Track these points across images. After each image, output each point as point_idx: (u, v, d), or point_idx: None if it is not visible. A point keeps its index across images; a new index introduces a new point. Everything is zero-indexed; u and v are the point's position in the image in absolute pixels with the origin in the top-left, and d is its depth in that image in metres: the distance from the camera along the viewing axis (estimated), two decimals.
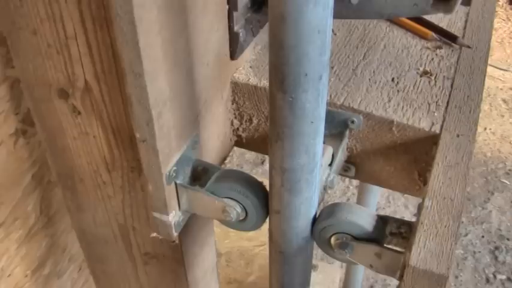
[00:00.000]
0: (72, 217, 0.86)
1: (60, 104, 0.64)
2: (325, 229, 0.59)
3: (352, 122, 0.67)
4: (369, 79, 0.70)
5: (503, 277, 2.02)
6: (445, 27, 0.78)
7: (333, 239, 0.60)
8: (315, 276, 1.74)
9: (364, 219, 0.58)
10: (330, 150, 0.65)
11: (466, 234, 2.15)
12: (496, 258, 2.08)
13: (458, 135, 0.63)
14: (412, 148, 0.66)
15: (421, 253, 0.51)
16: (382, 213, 2.08)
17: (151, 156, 0.59)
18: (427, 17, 0.78)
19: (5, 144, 0.78)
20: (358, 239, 0.58)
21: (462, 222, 2.18)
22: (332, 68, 0.72)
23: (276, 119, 0.51)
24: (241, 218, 0.64)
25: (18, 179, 0.85)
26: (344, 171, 0.72)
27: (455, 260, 2.02)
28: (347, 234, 0.58)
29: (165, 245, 0.82)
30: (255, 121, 0.73)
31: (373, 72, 0.71)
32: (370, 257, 0.58)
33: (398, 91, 0.69)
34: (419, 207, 0.56)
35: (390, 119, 0.65)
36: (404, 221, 0.60)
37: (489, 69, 2.87)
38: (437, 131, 0.64)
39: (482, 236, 2.14)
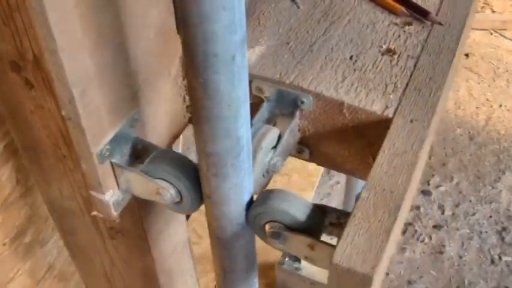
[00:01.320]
0: (41, 190, 0.85)
1: (14, 76, 0.62)
2: (258, 216, 0.56)
3: (302, 102, 0.62)
4: (325, 56, 0.66)
5: (509, 259, 1.97)
6: (419, 2, 0.73)
7: (267, 227, 0.56)
8: None
9: (297, 208, 0.54)
10: (273, 131, 0.61)
11: (474, 214, 2.09)
12: (502, 239, 2.02)
13: (412, 121, 0.59)
14: (365, 132, 0.62)
15: (347, 249, 0.48)
16: None
17: (79, 135, 0.56)
18: None
19: None
20: (291, 228, 0.55)
21: (470, 201, 2.13)
22: (288, 43, 0.68)
23: (193, 102, 0.47)
24: (176, 201, 0.61)
25: None
26: (298, 153, 0.68)
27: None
28: (280, 223, 0.55)
29: (127, 221, 0.80)
30: None
31: (331, 49, 0.67)
32: (303, 248, 0.55)
33: (354, 70, 0.64)
34: (357, 198, 0.53)
35: (340, 100, 0.61)
36: (344, 211, 0.56)
37: (508, 43, 2.75)
38: (391, 115, 0.60)
39: (490, 216, 2.08)
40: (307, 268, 1.64)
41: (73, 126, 0.55)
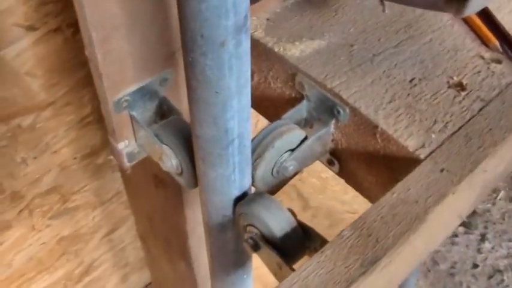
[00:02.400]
0: None
1: None
2: (242, 215, 0.52)
3: (338, 112, 0.57)
4: (384, 71, 0.59)
5: None
6: None
7: (247, 229, 0.53)
8: None
9: (277, 222, 0.50)
10: (295, 133, 0.56)
11: None
12: None
13: (442, 170, 0.51)
14: (395, 165, 0.55)
15: (295, 286, 0.43)
16: None
17: (97, 79, 0.55)
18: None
19: (63, 32, 0.81)
20: (267, 240, 0.51)
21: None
22: (351, 46, 0.61)
23: (186, 79, 0.44)
24: (178, 172, 0.58)
25: (74, 68, 0.87)
26: (328, 164, 0.63)
27: None
28: (258, 230, 0.51)
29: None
30: (255, 78, 0.65)
31: (395, 65, 0.59)
32: (273, 264, 0.50)
33: (408, 95, 0.57)
34: (339, 234, 0.47)
35: (375, 123, 0.54)
36: (327, 241, 0.50)
37: None
38: (422, 156, 0.52)
39: None
40: None
41: (93, 68, 0.55)
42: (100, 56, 0.52)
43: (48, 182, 1.08)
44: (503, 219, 2.03)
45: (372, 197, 0.61)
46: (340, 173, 0.63)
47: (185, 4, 0.37)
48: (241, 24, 0.39)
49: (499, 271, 1.92)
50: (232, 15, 0.38)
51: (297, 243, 0.50)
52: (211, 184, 0.51)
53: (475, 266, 1.93)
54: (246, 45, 0.41)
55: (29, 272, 1.21)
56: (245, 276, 0.64)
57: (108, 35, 0.52)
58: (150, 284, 1.58)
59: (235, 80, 0.42)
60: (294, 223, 0.50)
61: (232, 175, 0.50)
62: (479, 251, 1.98)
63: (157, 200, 0.98)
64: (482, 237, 1.97)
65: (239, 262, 0.62)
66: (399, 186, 0.49)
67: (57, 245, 1.23)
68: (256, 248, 0.51)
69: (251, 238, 0.51)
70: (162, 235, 1.10)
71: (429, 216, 0.48)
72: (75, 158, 1.12)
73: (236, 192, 0.53)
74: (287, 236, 0.50)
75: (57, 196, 1.14)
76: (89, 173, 1.18)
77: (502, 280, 1.89)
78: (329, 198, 1.83)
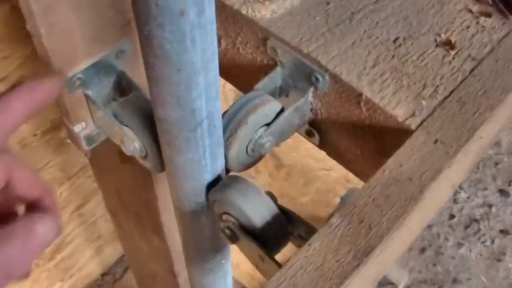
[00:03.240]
0: None
1: None
2: (216, 202, 0.47)
3: (317, 79, 0.51)
4: (365, 31, 0.53)
5: None
6: None
7: (223, 217, 0.47)
8: None
9: (257, 210, 0.44)
10: (271, 105, 0.50)
11: None
12: None
13: (436, 141, 0.46)
14: (383, 135, 0.50)
15: (282, 285, 0.38)
16: None
17: (43, 55, 0.48)
18: None
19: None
20: (246, 229, 0.45)
21: None
22: (328, 3, 0.55)
23: (142, 55, 0.37)
24: (142, 155, 0.52)
25: (26, 38, 0.80)
26: (308, 136, 0.57)
27: None
28: (236, 219, 0.46)
29: None
30: (222, 44, 0.59)
31: (376, 23, 0.54)
32: (254, 256, 0.45)
33: (393, 56, 0.51)
34: (326, 221, 0.42)
35: (359, 91, 0.49)
36: (312, 228, 0.45)
37: None
38: (413, 126, 0.47)
39: None
40: None
41: (37, 44, 0.48)
42: (44, 30, 0.45)
43: None
44: (478, 168, 2.02)
45: (357, 170, 0.56)
46: (321, 145, 0.57)
47: None
48: None
49: (476, 220, 1.93)
50: None
51: (279, 232, 0.45)
52: (179, 170, 0.46)
53: (452, 216, 1.93)
54: (210, 12, 0.35)
55: None
56: (223, 261, 0.60)
57: (51, 6, 0.45)
58: (124, 255, 1.54)
59: (199, 54, 0.36)
60: (274, 209, 0.45)
61: (202, 159, 0.44)
62: (455, 201, 1.97)
63: (125, 176, 0.92)
64: (458, 187, 1.96)
65: (216, 247, 0.57)
66: (390, 163, 0.44)
67: None
68: (234, 238, 0.46)
69: (228, 228, 0.46)
70: (133, 210, 1.05)
71: (425, 194, 0.43)
72: (35, 135, 1.05)
73: (208, 177, 0.47)
74: (268, 225, 0.44)
75: None
76: (51, 148, 1.12)
77: (479, 229, 1.90)
78: (303, 156, 1.79)
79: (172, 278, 1.11)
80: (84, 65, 0.51)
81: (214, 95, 0.40)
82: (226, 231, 0.46)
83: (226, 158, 0.49)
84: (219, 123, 0.43)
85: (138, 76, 0.55)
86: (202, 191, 0.48)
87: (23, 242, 0.34)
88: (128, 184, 0.95)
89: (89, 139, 0.57)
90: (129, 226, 1.10)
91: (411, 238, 0.50)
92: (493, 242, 1.87)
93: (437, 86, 0.49)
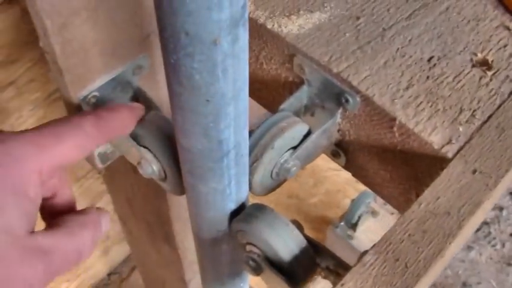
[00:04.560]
0: None
1: None
2: (239, 233, 0.44)
3: (347, 100, 0.48)
4: (397, 49, 0.50)
5: None
6: None
7: (247, 248, 0.45)
8: (372, 223, 1.60)
9: (284, 243, 0.42)
10: (298, 128, 0.47)
11: None
12: None
13: (475, 171, 0.43)
14: (415, 162, 0.47)
15: None
16: None
17: (56, 74, 0.46)
18: None
19: (18, 3, 0.71)
20: (272, 262, 0.43)
21: None
22: (358, 18, 0.52)
23: (167, 81, 0.35)
24: (161, 177, 0.50)
25: (35, 41, 0.78)
26: (333, 156, 0.55)
27: None
28: (260, 250, 0.43)
29: None
30: None
31: (409, 41, 0.51)
32: None
33: (427, 78, 0.48)
34: (360, 257, 0.39)
35: (392, 115, 0.46)
36: (343, 262, 0.43)
37: None
38: (450, 155, 0.44)
39: None
40: (360, 240, 1.54)
41: (51, 62, 0.45)
42: (58, 47, 0.43)
43: None
44: None
45: (384, 193, 0.53)
46: (347, 166, 0.54)
47: None
48: (239, 15, 0.30)
49: (486, 223, 1.90)
50: (227, 5, 0.28)
51: (307, 265, 0.42)
52: (201, 198, 0.43)
53: None
54: (244, 40, 0.32)
55: None
56: (241, 285, 0.57)
57: (66, 22, 0.42)
58: (131, 254, 1.53)
59: (231, 84, 0.33)
60: (303, 242, 0.42)
61: (227, 189, 0.42)
62: None
63: (137, 185, 0.89)
64: None
65: (235, 272, 0.55)
66: (426, 195, 0.41)
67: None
68: (258, 271, 0.43)
69: (252, 260, 0.43)
70: (144, 219, 1.02)
71: (462, 229, 0.40)
72: None
73: (232, 206, 0.44)
74: (295, 258, 0.42)
75: None
76: None
77: (489, 233, 1.87)
78: None
79: (183, 285, 1.09)
80: (99, 82, 0.48)
81: (243, 124, 0.38)
82: (251, 263, 0.43)
83: (249, 183, 0.46)
84: (246, 151, 0.41)
85: (156, 93, 0.52)
86: (224, 220, 0.45)
87: (93, 229, 0.40)
88: (139, 193, 0.93)
89: (103, 157, 0.54)
90: (139, 234, 1.08)
91: (441, 269, 0.48)
92: (503, 245, 1.85)
93: (475, 111, 0.47)
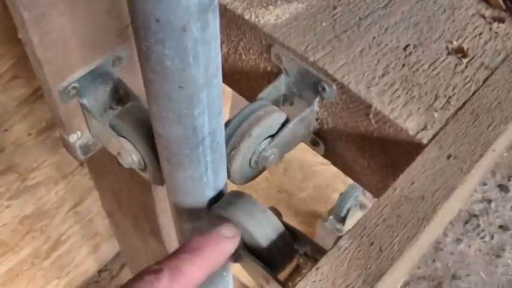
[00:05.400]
0: None
1: None
2: (218, 220, 0.45)
3: (323, 89, 0.49)
4: (373, 38, 0.51)
5: None
6: None
7: None
8: (361, 216, 1.60)
9: (261, 229, 0.42)
10: (275, 116, 0.48)
11: None
12: None
13: (449, 156, 0.44)
14: (392, 149, 0.48)
15: None
16: None
17: (36, 66, 0.46)
18: None
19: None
20: (250, 249, 0.43)
21: None
22: (334, 8, 0.53)
23: (141, 69, 0.35)
24: (140, 167, 0.50)
25: (18, 37, 0.78)
26: (312, 145, 0.55)
27: None
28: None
29: None
30: (224, 49, 0.56)
31: (385, 29, 0.51)
32: (258, 276, 0.43)
33: (403, 65, 0.49)
34: (335, 242, 0.40)
35: (368, 102, 0.46)
36: (320, 248, 0.43)
37: None
38: (425, 140, 0.45)
39: None
40: None
41: (30, 54, 0.45)
42: (36, 39, 0.43)
43: (3, 161, 1.01)
44: None
45: (363, 181, 0.54)
46: (326, 155, 0.55)
47: None
48: (208, 1, 0.30)
49: (475, 216, 1.91)
50: None
51: (285, 251, 0.43)
52: (179, 186, 0.43)
53: None
54: (215, 26, 0.32)
55: None
56: (224, 274, 0.57)
57: (44, 14, 0.42)
58: (121, 251, 1.53)
59: (202, 70, 0.34)
60: (280, 228, 0.43)
61: (204, 176, 0.42)
62: None
63: (122, 178, 0.90)
64: None
65: None
66: (401, 180, 0.42)
67: (20, 225, 1.17)
68: (237, 258, 0.44)
69: None
70: (130, 212, 1.03)
71: (438, 213, 0.41)
72: (30, 134, 1.04)
73: (210, 193, 0.45)
74: (273, 244, 0.42)
75: (14, 175, 1.07)
76: (46, 147, 1.10)
77: (478, 225, 1.88)
78: (300, 151, 1.76)
79: None
80: (79, 73, 0.49)
81: (218, 110, 0.38)
82: None
83: (228, 171, 0.47)
84: (222, 139, 0.41)
85: (136, 84, 0.52)
86: (203, 207, 0.46)
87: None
88: (125, 186, 0.93)
89: (85, 149, 0.55)
90: (127, 227, 1.08)
91: (419, 255, 0.48)
92: (492, 237, 1.86)
93: (450, 97, 0.47)
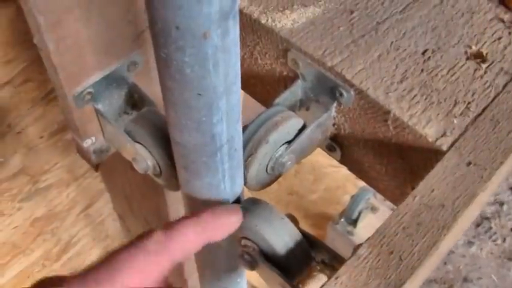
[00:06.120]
0: None
1: None
2: None
3: (341, 94, 0.48)
4: (391, 42, 0.50)
5: None
6: None
7: (242, 242, 0.45)
8: (372, 219, 1.60)
9: (279, 237, 0.42)
10: (292, 122, 0.47)
11: None
12: None
13: (469, 163, 0.43)
14: (410, 155, 0.47)
15: None
16: None
17: (51, 71, 0.46)
18: None
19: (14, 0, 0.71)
20: (267, 256, 0.43)
21: None
22: (351, 12, 0.52)
23: (159, 76, 0.35)
24: (155, 173, 0.50)
25: (31, 40, 0.79)
26: (328, 150, 0.55)
27: None
28: (256, 244, 0.43)
29: None
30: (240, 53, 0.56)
31: (403, 34, 0.51)
32: (275, 284, 0.43)
33: (422, 71, 0.48)
34: (354, 250, 0.39)
35: (386, 108, 0.46)
36: (339, 256, 0.43)
37: None
38: (444, 147, 0.44)
39: None
40: (360, 236, 1.54)
41: (45, 59, 0.45)
42: (52, 44, 0.43)
43: (15, 164, 1.01)
44: None
45: (379, 187, 0.53)
46: (342, 160, 0.55)
47: None
48: (229, 8, 0.30)
49: (487, 218, 1.90)
50: (215, 1, 0.28)
51: (302, 259, 0.42)
52: (196, 193, 0.43)
53: None
54: (235, 33, 0.32)
55: (2, 257, 1.15)
56: (238, 280, 0.57)
57: (60, 19, 0.42)
58: None
59: (222, 78, 0.33)
60: (298, 235, 0.42)
61: (221, 183, 0.42)
62: None
63: (134, 182, 0.89)
64: None
65: (231, 267, 0.55)
66: (421, 188, 0.41)
67: (31, 227, 1.17)
68: (253, 265, 0.43)
69: (247, 254, 0.43)
70: (142, 216, 1.03)
71: (456, 222, 0.40)
72: (42, 137, 1.04)
73: (227, 200, 0.44)
74: (290, 252, 0.42)
75: (26, 178, 1.07)
76: (58, 150, 1.10)
77: (490, 228, 1.87)
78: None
79: (182, 282, 1.09)
80: (94, 78, 0.48)
81: (236, 117, 0.38)
82: (246, 257, 0.43)
83: (244, 177, 0.46)
84: (239, 146, 0.41)
85: (151, 89, 0.52)
86: None
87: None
88: (137, 190, 0.93)
89: (99, 153, 0.55)
90: (138, 231, 1.08)
91: (437, 262, 0.48)
92: (504, 240, 1.85)
93: (469, 103, 0.47)
